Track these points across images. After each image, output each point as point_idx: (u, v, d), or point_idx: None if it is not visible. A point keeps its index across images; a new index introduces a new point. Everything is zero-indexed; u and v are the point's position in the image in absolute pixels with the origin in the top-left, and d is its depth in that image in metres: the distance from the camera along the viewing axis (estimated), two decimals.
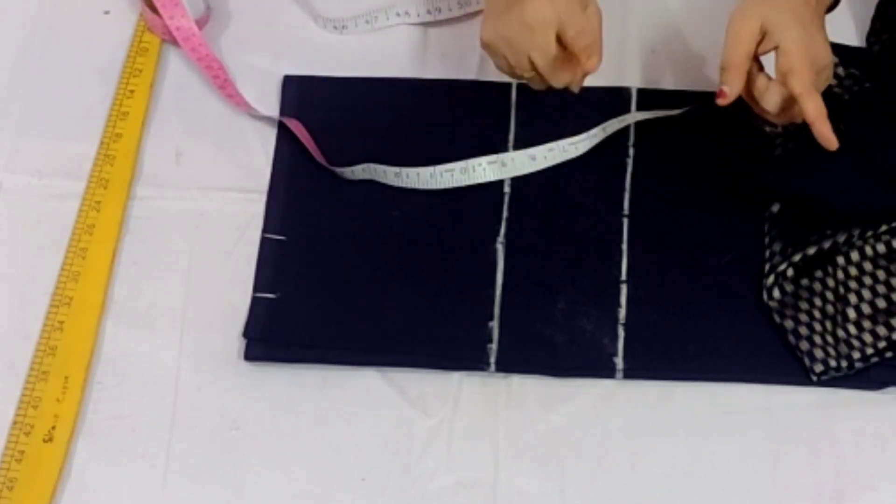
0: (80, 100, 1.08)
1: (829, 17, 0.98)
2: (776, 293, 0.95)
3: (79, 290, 0.98)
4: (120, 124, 1.06)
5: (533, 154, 1.01)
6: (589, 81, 1.05)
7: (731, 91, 0.91)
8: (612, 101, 1.05)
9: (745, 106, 0.94)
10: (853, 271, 0.95)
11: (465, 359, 0.95)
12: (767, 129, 0.99)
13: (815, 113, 0.89)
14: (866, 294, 0.94)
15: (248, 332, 0.96)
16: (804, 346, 0.94)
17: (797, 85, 0.89)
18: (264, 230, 1.01)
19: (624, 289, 0.98)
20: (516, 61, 0.93)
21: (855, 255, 0.95)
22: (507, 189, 1.02)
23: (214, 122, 1.07)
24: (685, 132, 1.02)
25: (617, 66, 1.07)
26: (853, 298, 0.94)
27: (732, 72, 0.91)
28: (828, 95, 0.99)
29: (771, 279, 0.96)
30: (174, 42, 1.09)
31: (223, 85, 1.07)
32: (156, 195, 1.03)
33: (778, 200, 0.99)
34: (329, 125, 1.05)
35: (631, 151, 1.03)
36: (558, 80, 0.94)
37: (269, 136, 1.05)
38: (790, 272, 0.96)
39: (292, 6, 1.13)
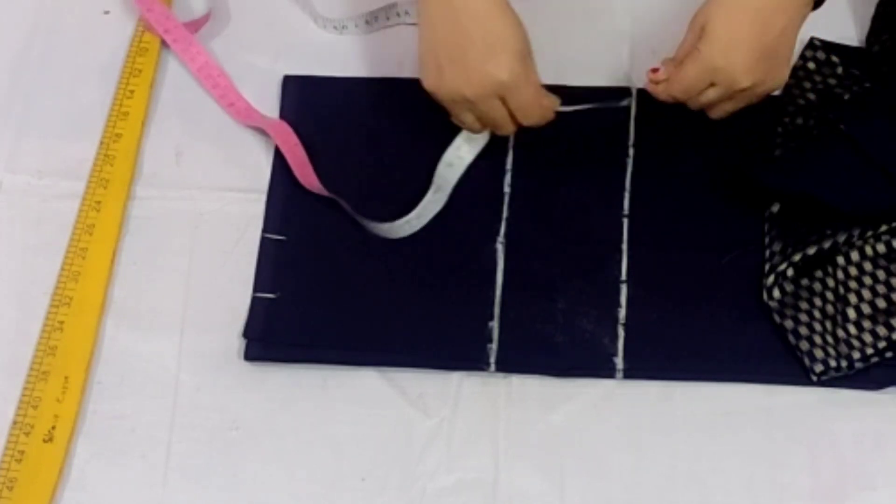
0: (80, 100, 1.08)
1: (830, 17, 0.98)
2: (776, 293, 0.95)
3: (79, 290, 0.98)
4: (120, 124, 1.06)
5: None
6: (589, 81, 1.05)
7: (660, 74, 0.94)
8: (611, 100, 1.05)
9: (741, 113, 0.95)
10: (853, 271, 0.95)
11: (465, 359, 0.95)
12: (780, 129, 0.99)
13: (650, 86, 0.94)
14: (866, 294, 0.94)
15: (247, 332, 0.96)
16: (804, 346, 0.94)
17: (677, 77, 0.92)
18: (264, 230, 1.01)
19: (624, 289, 0.98)
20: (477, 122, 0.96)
21: (855, 255, 0.95)
22: (507, 189, 1.02)
23: (214, 122, 1.07)
24: (685, 132, 1.02)
25: (617, 66, 1.07)
26: (853, 298, 0.94)
27: (670, 62, 0.94)
28: (828, 95, 0.99)
29: (771, 279, 0.96)
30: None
31: (227, 99, 1.07)
32: (156, 195, 1.03)
33: (778, 200, 0.98)
34: (329, 125, 1.05)
35: (631, 151, 1.03)
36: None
37: (269, 137, 1.05)
38: (790, 272, 0.96)
39: (292, 6, 1.13)
